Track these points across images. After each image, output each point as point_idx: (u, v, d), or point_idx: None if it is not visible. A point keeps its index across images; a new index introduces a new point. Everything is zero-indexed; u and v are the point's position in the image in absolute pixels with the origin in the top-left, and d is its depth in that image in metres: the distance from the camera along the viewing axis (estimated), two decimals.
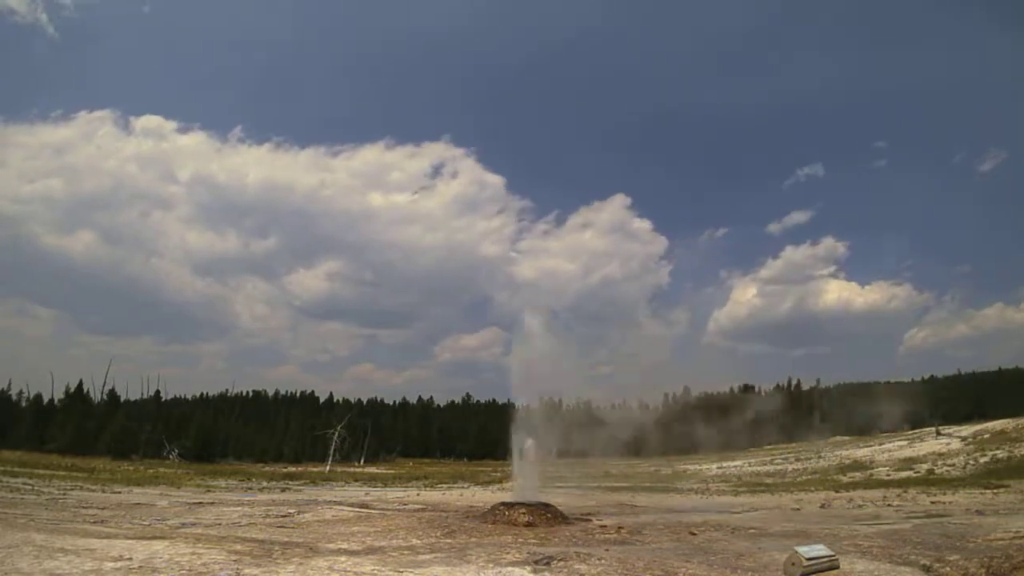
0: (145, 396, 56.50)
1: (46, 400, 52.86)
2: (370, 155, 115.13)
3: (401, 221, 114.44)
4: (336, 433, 47.69)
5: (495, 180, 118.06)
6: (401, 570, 6.25)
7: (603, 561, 6.75)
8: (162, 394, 58.59)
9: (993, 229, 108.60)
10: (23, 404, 52.84)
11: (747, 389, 71.60)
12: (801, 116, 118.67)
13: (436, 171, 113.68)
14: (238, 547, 7.38)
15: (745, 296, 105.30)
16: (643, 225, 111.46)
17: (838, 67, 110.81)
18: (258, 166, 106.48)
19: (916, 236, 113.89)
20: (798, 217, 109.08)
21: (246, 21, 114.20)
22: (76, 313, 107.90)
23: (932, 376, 72.85)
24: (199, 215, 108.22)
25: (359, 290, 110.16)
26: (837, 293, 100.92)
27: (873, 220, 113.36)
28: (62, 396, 53.07)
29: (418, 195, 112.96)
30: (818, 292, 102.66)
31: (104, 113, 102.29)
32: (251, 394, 71.39)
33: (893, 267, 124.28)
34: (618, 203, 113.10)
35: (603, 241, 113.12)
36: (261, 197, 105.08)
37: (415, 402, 75.65)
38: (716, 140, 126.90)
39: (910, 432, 44.83)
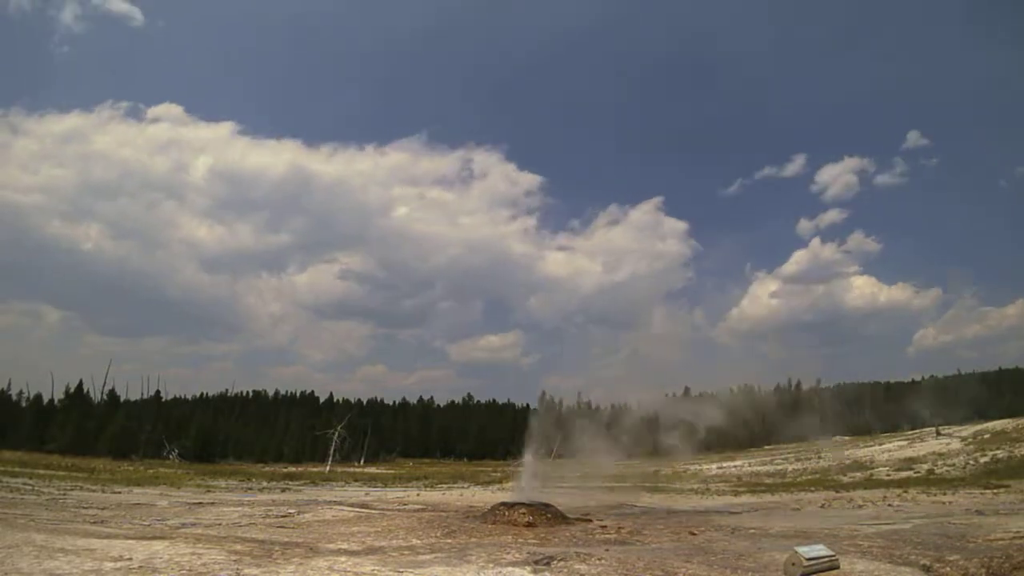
0: (145, 396, 56.50)
1: (46, 400, 52.85)
2: (399, 153, 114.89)
3: (425, 219, 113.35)
4: (336, 433, 47.61)
5: (529, 179, 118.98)
6: (401, 570, 6.26)
7: (603, 561, 6.76)
8: (162, 394, 58.64)
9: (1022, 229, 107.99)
10: (23, 404, 52.82)
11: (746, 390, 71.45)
12: (840, 115, 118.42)
13: (466, 168, 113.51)
14: (238, 547, 7.39)
15: (764, 294, 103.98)
16: (678, 225, 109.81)
17: (878, 67, 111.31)
18: (279, 160, 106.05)
19: (944, 235, 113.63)
20: (832, 215, 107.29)
21: (280, 13, 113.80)
22: (84, 313, 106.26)
23: (932, 375, 72.86)
24: (214, 209, 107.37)
25: (375, 289, 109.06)
26: (860, 291, 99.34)
27: (906, 219, 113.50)
28: (62, 396, 53.13)
29: (445, 193, 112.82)
30: (842, 290, 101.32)
31: (125, 104, 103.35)
32: (251, 394, 71.07)
33: (919, 266, 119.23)
34: (652, 204, 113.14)
35: (632, 241, 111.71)
36: (278, 192, 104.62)
37: (415, 402, 75.65)
38: (749, 140, 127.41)
39: (910, 432, 44.82)
